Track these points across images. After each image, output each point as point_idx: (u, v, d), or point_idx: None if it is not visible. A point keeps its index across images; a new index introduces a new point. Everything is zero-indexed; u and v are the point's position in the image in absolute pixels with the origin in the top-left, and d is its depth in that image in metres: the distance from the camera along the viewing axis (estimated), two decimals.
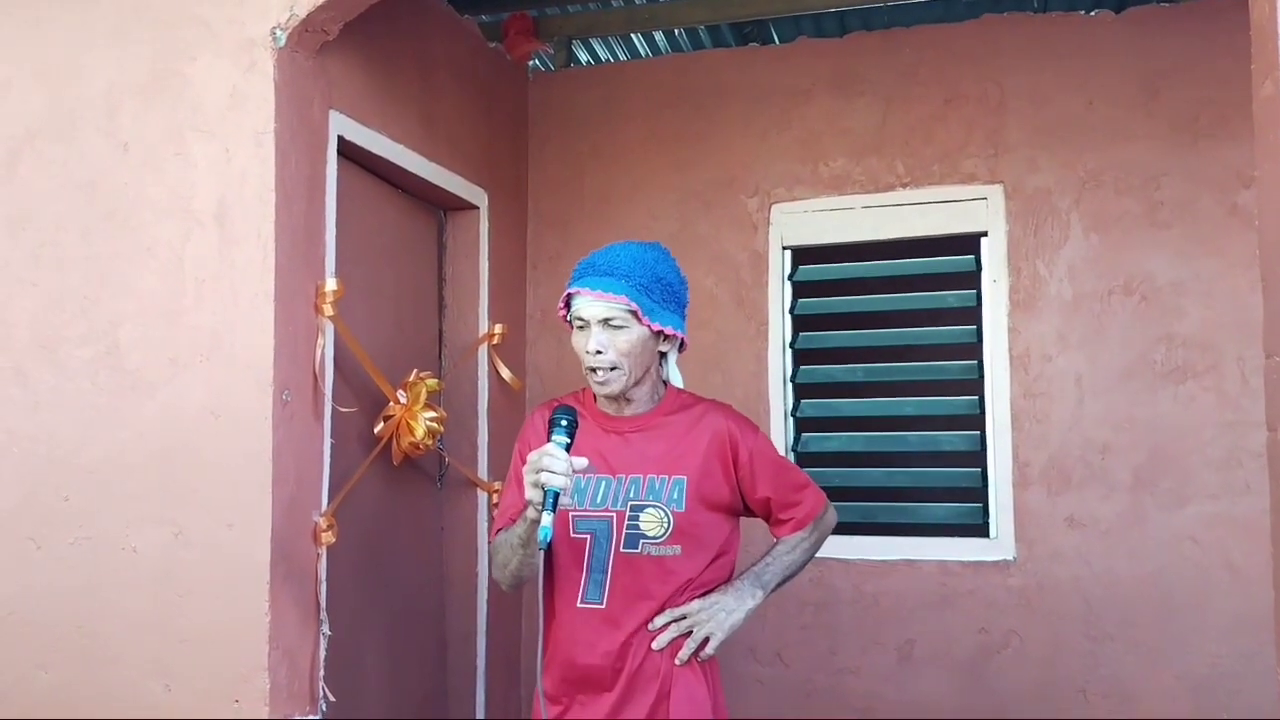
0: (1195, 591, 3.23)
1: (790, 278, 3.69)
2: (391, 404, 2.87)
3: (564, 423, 1.99)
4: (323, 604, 2.52)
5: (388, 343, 3.07)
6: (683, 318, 2.26)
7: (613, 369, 2.16)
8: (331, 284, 2.57)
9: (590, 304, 2.14)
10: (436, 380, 3.05)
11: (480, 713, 3.43)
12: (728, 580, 2.29)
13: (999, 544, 3.41)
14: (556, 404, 2.30)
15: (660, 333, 2.19)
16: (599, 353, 2.14)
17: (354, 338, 2.70)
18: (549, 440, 1.98)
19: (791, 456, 3.64)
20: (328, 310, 2.55)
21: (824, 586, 3.54)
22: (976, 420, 3.53)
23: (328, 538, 2.53)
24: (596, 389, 2.21)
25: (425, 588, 3.35)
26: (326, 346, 2.57)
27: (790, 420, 3.66)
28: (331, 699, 2.53)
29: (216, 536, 2.35)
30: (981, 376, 3.51)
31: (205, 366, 2.39)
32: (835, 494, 3.60)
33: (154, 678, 2.36)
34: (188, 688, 2.34)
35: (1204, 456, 3.24)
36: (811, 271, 3.71)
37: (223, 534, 2.35)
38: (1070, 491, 3.35)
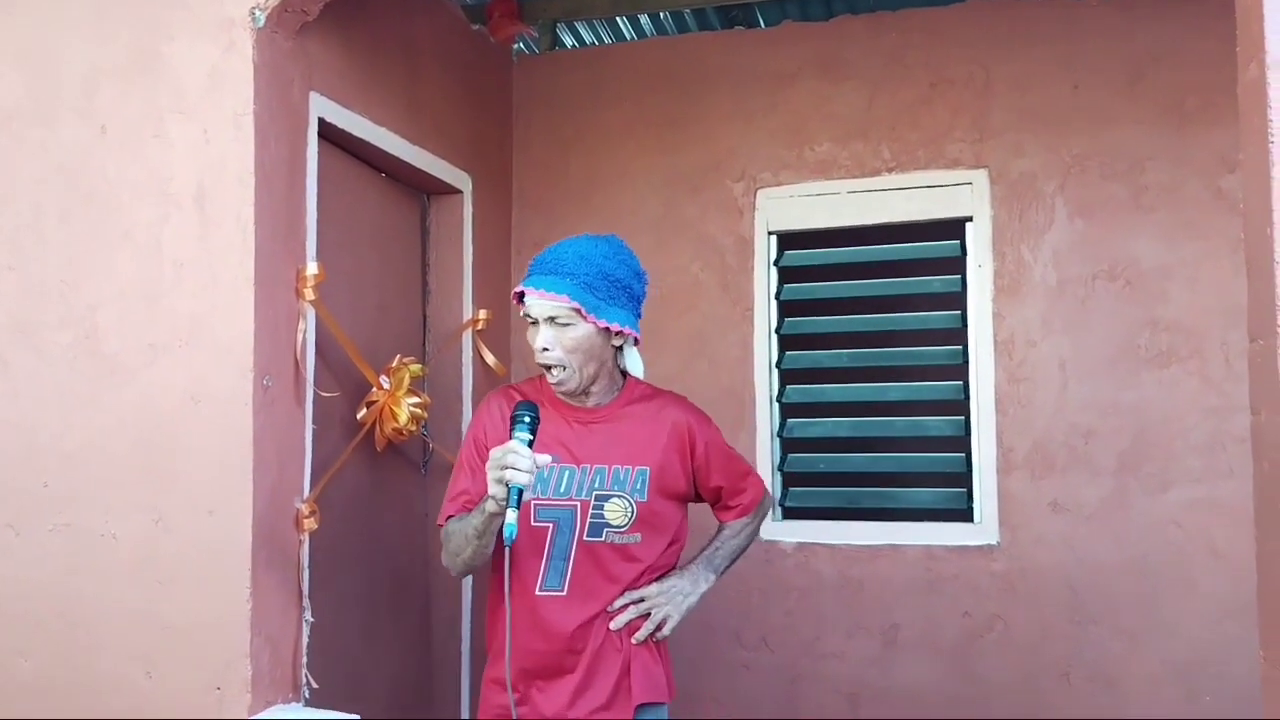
0: (1179, 576, 3.24)
1: (776, 263, 3.68)
2: (374, 389, 2.85)
3: (526, 419, 2.02)
4: (305, 591, 2.51)
5: (371, 328, 3.05)
6: (635, 313, 2.28)
7: (563, 367, 2.21)
8: (313, 268, 2.55)
9: (536, 302, 2.19)
10: (420, 365, 3.04)
11: (465, 698, 3.43)
12: (675, 565, 2.37)
13: (983, 529, 3.42)
14: (513, 391, 2.36)
15: (609, 329, 2.21)
16: (546, 350, 2.19)
17: (336, 323, 2.68)
18: (511, 437, 2.01)
19: (777, 442, 3.64)
20: (309, 295, 2.53)
21: (809, 571, 3.54)
22: (961, 405, 3.53)
23: (310, 524, 2.51)
24: (554, 387, 2.26)
25: (409, 574, 3.33)
26: (308, 331, 2.55)
27: (775, 405, 3.66)
28: (314, 686, 2.52)
29: (197, 523, 2.33)
30: (966, 361, 3.51)
31: (185, 351, 2.37)
32: (820, 479, 3.66)
33: (135, 665, 2.35)
34: (169, 675, 2.33)
35: (1187, 441, 3.25)
36: (797, 256, 3.70)
37: (204, 520, 2.33)
38: (1054, 476, 3.36)
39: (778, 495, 3.63)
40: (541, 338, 2.19)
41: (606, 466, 2.25)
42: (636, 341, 2.30)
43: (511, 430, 2.02)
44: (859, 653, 3.51)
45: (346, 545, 2.92)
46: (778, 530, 3.59)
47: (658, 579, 2.31)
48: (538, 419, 2.03)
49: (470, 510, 2.17)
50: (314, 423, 2.60)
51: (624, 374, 2.35)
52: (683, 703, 3.62)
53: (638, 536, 2.25)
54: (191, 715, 2.30)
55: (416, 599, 3.37)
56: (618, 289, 2.22)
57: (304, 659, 2.50)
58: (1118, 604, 3.29)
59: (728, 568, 2.45)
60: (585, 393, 2.27)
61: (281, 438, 2.45)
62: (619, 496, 2.23)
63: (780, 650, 3.58)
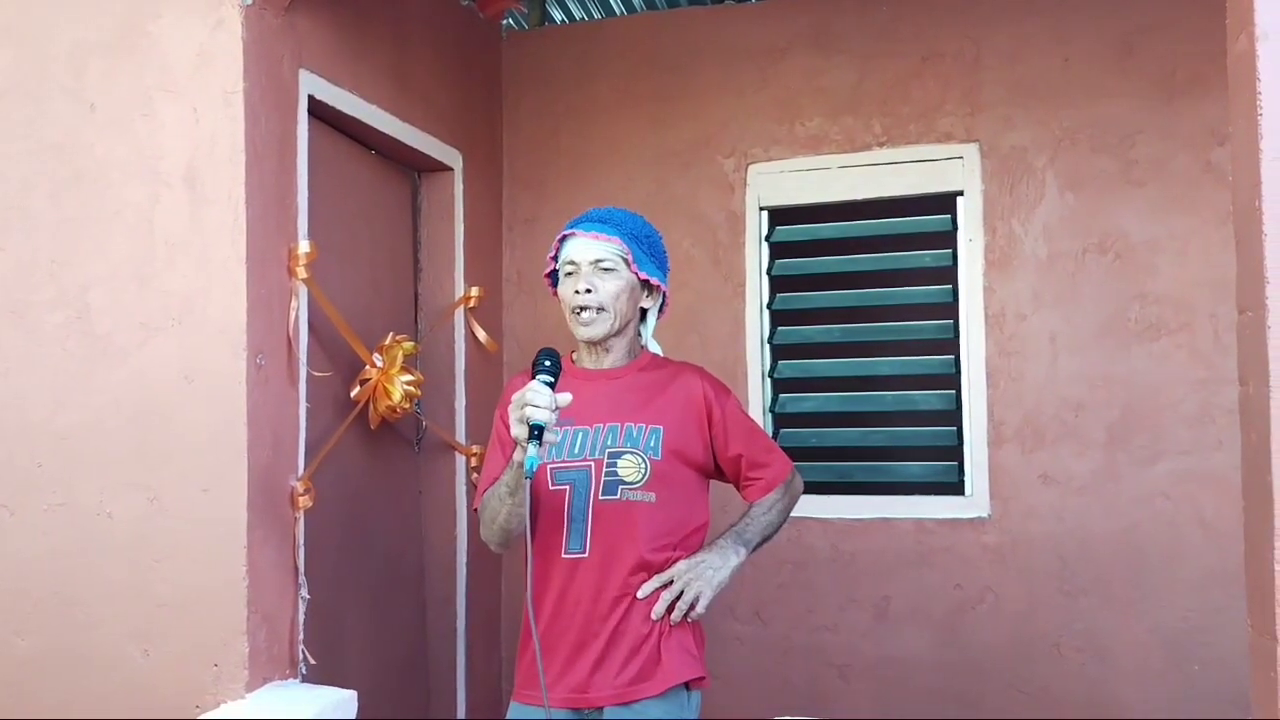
0: (1167, 546, 3.27)
1: (767, 238, 3.69)
2: (368, 367, 2.85)
3: (547, 363, 2.02)
4: (301, 568, 2.52)
5: (363, 306, 3.05)
6: (666, 276, 2.36)
7: (599, 310, 2.22)
8: (304, 246, 2.55)
9: (583, 245, 2.24)
10: (413, 343, 3.04)
11: (460, 673, 3.45)
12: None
13: (974, 501, 3.44)
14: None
15: (646, 282, 2.29)
16: (588, 291, 2.21)
17: (328, 301, 2.67)
18: (532, 378, 2.01)
19: (769, 417, 3.66)
20: (301, 273, 2.53)
21: (801, 545, 3.56)
22: (952, 379, 3.55)
23: (305, 502, 2.52)
24: (580, 331, 2.26)
25: (404, 551, 3.35)
26: (300, 310, 2.55)
27: (767, 381, 3.67)
28: (311, 662, 2.53)
29: (192, 501, 2.34)
30: (957, 336, 3.52)
31: (177, 331, 2.37)
32: (812, 454, 3.68)
33: (132, 643, 2.36)
34: (166, 652, 2.34)
35: (1177, 413, 3.27)
36: (788, 232, 3.70)
37: (199, 499, 2.34)
38: (1044, 449, 3.38)
39: None
40: (583, 280, 2.22)
41: (619, 424, 2.24)
42: (664, 308, 2.37)
43: (533, 374, 2.02)
44: (851, 625, 3.53)
45: (341, 523, 2.92)
46: None
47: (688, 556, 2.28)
48: (558, 364, 2.03)
49: None
50: (307, 401, 2.60)
51: (641, 346, 2.38)
52: None
53: (652, 495, 2.23)
54: (189, 692, 2.31)
55: (411, 574, 3.38)
56: (655, 249, 2.33)
57: (300, 635, 2.51)
58: (1107, 575, 3.31)
59: (760, 544, 2.40)
60: (604, 350, 2.29)
61: (275, 416, 2.45)
62: (631, 453, 2.22)
63: (773, 623, 3.60)
